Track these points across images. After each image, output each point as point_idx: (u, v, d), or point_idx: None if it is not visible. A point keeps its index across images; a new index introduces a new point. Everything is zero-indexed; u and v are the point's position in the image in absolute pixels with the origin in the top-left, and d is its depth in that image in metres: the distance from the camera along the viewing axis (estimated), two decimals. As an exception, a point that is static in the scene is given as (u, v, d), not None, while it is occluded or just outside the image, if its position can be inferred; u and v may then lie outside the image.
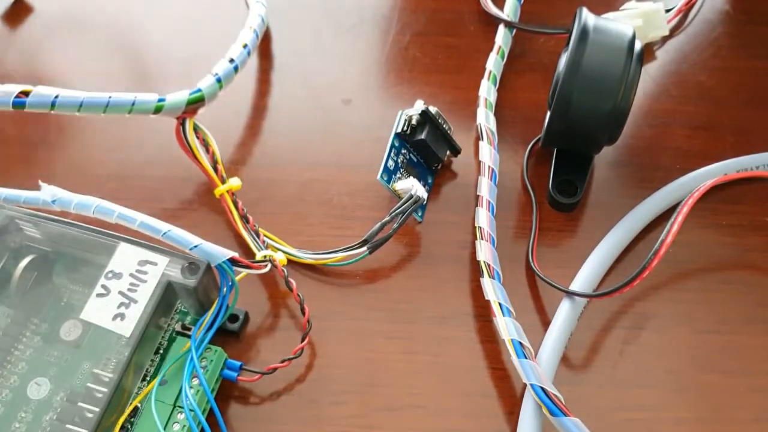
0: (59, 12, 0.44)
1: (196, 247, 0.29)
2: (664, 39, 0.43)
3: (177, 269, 0.29)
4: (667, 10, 0.42)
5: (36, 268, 0.30)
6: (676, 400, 0.31)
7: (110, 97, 0.34)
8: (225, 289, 0.29)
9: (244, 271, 0.30)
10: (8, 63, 0.42)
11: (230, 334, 0.31)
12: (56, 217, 0.31)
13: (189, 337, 0.30)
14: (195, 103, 0.35)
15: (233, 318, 0.31)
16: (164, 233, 0.29)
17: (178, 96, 0.34)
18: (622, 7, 0.42)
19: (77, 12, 0.44)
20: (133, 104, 0.34)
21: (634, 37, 0.34)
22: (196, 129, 0.35)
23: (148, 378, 0.29)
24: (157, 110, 0.34)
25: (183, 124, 0.35)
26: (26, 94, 0.33)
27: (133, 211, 0.30)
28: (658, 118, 0.40)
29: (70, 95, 0.33)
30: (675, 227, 0.29)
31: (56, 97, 0.33)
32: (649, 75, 0.41)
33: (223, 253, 0.29)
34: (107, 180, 0.37)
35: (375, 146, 0.38)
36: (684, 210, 0.29)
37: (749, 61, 0.42)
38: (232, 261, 0.29)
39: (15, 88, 0.33)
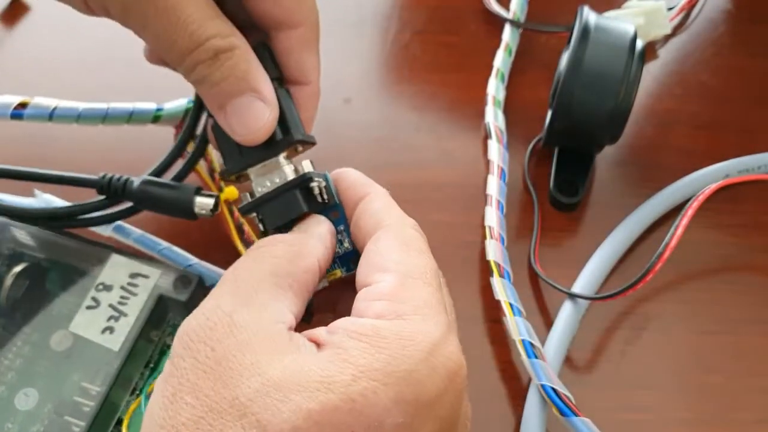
0: (56, 12, 0.44)
1: (190, 265, 0.29)
2: (666, 37, 0.42)
3: (168, 282, 0.28)
4: (669, 9, 0.42)
5: (28, 276, 0.29)
6: (679, 400, 0.30)
7: (108, 107, 0.33)
8: None
9: None
10: (5, 62, 0.42)
11: None
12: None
13: None
14: None
15: None
16: (160, 249, 0.29)
17: (176, 105, 0.34)
18: (623, 6, 0.41)
19: (74, 13, 0.44)
20: (131, 114, 0.33)
21: (635, 36, 0.34)
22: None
23: (137, 391, 0.28)
24: (156, 119, 0.34)
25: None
26: (24, 105, 0.32)
27: (129, 225, 0.30)
28: (660, 117, 0.39)
29: (68, 106, 0.33)
30: (679, 231, 0.29)
31: (54, 108, 0.33)
32: (651, 74, 0.41)
33: (216, 272, 0.29)
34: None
35: (375, 146, 0.37)
36: (689, 213, 0.29)
37: (751, 59, 0.42)
38: None
39: (13, 100, 0.33)
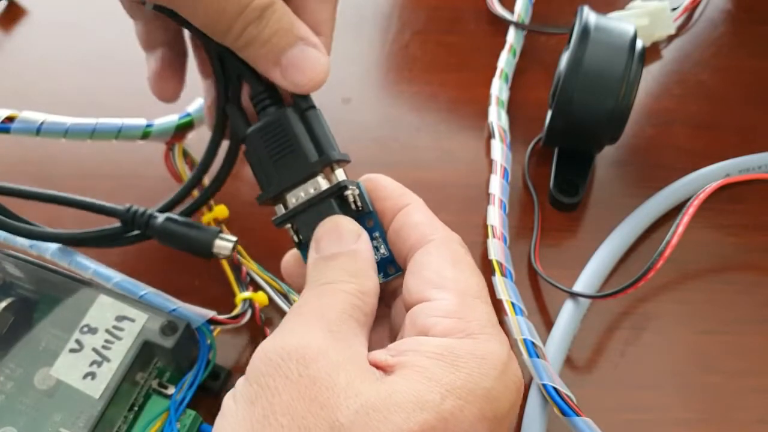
0: (53, 16, 0.44)
1: (174, 310, 0.28)
2: (670, 38, 0.42)
3: (155, 326, 0.27)
4: (673, 9, 0.42)
5: (15, 310, 0.29)
6: (679, 400, 0.30)
7: (96, 122, 0.33)
8: (208, 352, 0.28)
9: (219, 328, 0.29)
10: (2, 65, 0.42)
11: (209, 393, 0.29)
12: (38, 261, 0.30)
13: (165, 396, 0.28)
14: (184, 128, 0.34)
15: (214, 376, 0.29)
16: (141, 295, 0.28)
17: (167, 121, 0.34)
18: (627, 6, 0.41)
19: (71, 16, 0.44)
20: (120, 130, 0.33)
21: (635, 36, 0.33)
22: (185, 154, 0.34)
23: None
24: (145, 136, 0.33)
25: (172, 149, 0.34)
26: (11, 119, 0.32)
27: (111, 269, 0.30)
28: (660, 117, 0.39)
29: (55, 121, 0.32)
30: (680, 229, 0.29)
31: (42, 123, 0.32)
32: (651, 74, 0.41)
33: (201, 314, 0.28)
34: (104, 179, 0.36)
35: (375, 146, 0.37)
36: (690, 211, 0.29)
37: (750, 60, 0.42)
38: (210, 320, 0.28)
39: (0, 113, 0.32)
